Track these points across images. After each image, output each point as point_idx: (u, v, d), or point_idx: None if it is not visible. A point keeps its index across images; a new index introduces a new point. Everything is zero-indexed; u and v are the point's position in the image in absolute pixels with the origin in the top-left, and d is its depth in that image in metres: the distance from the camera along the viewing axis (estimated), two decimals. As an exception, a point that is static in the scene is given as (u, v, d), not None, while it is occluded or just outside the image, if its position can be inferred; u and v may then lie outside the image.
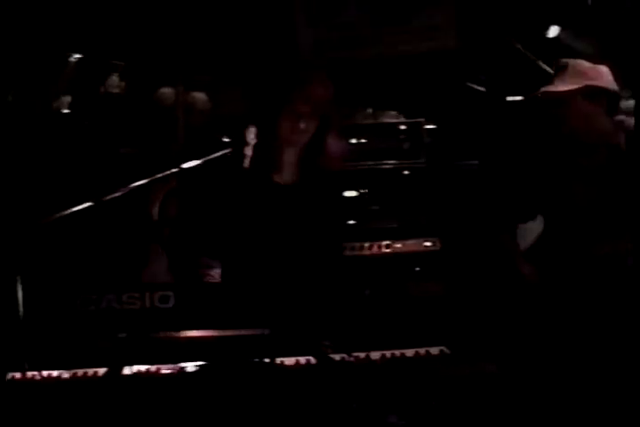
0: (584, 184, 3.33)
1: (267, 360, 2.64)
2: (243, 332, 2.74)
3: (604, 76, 3.42)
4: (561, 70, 3.42)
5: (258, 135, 2.87)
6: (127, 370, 2.60)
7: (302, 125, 2.96)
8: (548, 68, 8.40)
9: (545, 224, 3.48)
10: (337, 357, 2.79)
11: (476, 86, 5.85)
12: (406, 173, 5.04)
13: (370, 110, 5.47)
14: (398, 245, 4.70)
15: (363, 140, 5.10)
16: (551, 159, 3.46)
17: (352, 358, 2.74)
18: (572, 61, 3.45)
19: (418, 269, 4.55)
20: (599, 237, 3.27)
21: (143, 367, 2.62)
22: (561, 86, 3.36)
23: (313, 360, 2.70)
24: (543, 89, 3.43)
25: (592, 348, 3.22)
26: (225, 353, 2.74)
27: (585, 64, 3.44)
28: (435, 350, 2.88)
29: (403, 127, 5.16)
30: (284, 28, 5.61)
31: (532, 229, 3.47)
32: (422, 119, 5.26)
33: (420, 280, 4.25)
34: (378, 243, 4.73)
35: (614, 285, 3.22)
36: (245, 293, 2.93)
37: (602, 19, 6.40)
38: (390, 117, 5.33)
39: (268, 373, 2.63)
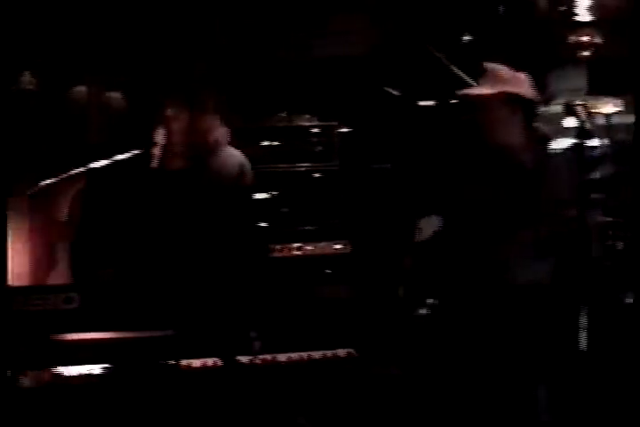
0: (486, 188, 3.34)
1: (172, 362, 2.62)
2: (148, 333, 2.72)
3: (521, 82, 3.45)
4: (481, 74, 3.44)
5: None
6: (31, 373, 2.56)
7: (171, 112, 3.04)
8: (462, 74, 8.55)
9: (444, 223, 3.49)
10: (244, 359, 2.79)
11: (390, 90, 5.90)
12: (318, 175, 5.06)
13: (284, 113, 5.47)
14: (309, 248, 4.71)
15: (276, 143, 5.11)
16: (457, 161, 3.50)
17: (259, 361, 2.74)
18: (491, 66, 3.47)
19: (328, 271, 4.57)
20: (496, 241, 3.29)
21: (48, 371, 2.59)
22: (478, 90, 3.39)
23: (220, 362, 2.69)
24: (461, 92, 3.45)
25: (492, 348, 3.24)
26: (131, 355, 2.71)
27: (504, 70, 3.46)
28: (342, 353, 2.89)
29: (316, 130, 5.18)
30: (199, 28, 5.58)
31: (429, 223, 3.48)
32: (335, 122, 5.28)
33: (330, 282, 4.26)
34: (289, 245, 4.74)
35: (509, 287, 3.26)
36: (152, 294, 2.91)
37: (513, 26, 6.52)
38: (305, 121, 5.34)
39: (174, 374, 2.62)
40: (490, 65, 3.45)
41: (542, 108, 3.68)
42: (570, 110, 2.78)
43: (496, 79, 3.37)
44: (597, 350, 3.28)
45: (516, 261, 3.23)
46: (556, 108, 5.79)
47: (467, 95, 3.41)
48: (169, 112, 3.06)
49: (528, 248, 3.25)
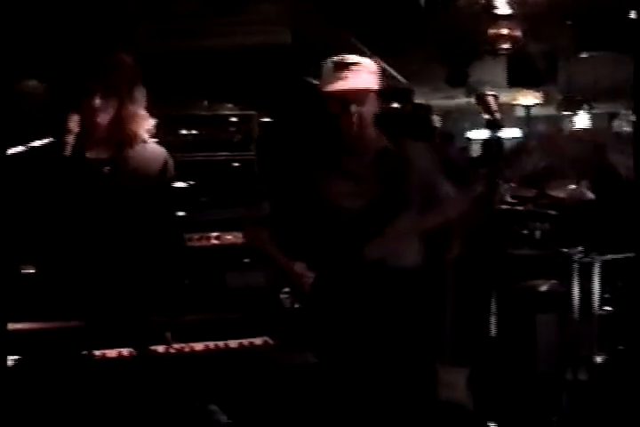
0: (349, 183, 3.30)
1: (85, 352, 2.59)
2: (62, 324, 2.69)
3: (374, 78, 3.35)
4: (343, 67, 3.24)
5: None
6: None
7: (97, 103, 3.00)
8: (384, 63, 8.63)
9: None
10: (160, 348, 2.77)
11: (310, 80, 5.92)
12: (236, 164, 5.05)
13: (205, 102, 5.45)
14: (228, 237, 4.70)
15: (194, 132, 5.08)
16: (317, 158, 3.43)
17: (174, 350, 2.72)
18: (358, 59, 3.34)
19: (247, 260, 4.57)
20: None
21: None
22: (342, 84, 3.26)
23: (134, 352, 2.67)
24: (330, 86, 3.33)
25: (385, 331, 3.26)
26: (44, 346, 2.68)
27: (371, 64, 3.35)
28: (258, 341, 2.89)
29: (234, 119, 5.16)
30: (117, 17, 5.52)
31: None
32: (254, 112, 5.27)
33: (247, 270, 4.28)
34: (207, 234, 4.72)
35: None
36: (66, 285, 2.87)
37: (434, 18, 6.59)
38: (225, 109, 5.32)
39: (88, 365, 2.59)
40: (356, 58, 3.32)
41: (465, 100, 3.69)
42: (480, 101, 2.81)
43: (364, 73, 3.26)
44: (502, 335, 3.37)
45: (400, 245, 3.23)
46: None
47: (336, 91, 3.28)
48: (89, 100, 3.01)
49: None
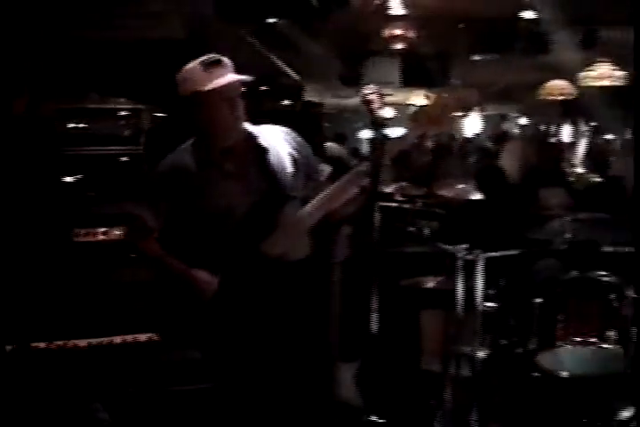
0: (231, 182, 3.30)
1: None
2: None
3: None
4: (213, 64, 3.18)
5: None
6: None
7: None
8: (277, 60, 8.64)
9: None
10: (41, 344, 2.73)
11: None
12: (125, 159, 4.98)
13: (96, 95, 5.35)
14: (116, 232, 4.64)
15: (82, 125, 4.99)
16: None
17: (55, 346, 2.69)
18: (217, 55, 3.32)
19: (133, 255, 4.49)
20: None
21: None
22: (220, 80, 3.23)
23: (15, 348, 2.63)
24: (208, 84, 3.16)
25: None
26: None
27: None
28: (143, 337, 2.88)
29: (124, 113, 5.09)
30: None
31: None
32: (144, 106, 5.21)
33: (135, 267, 4.21)
34: (94, 230, 4.65)
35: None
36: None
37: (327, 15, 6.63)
38: (115, 103, 5.24)
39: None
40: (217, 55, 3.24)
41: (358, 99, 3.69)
42: (364, 99, 2.84)
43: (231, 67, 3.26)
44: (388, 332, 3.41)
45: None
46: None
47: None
48: None
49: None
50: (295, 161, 3.31)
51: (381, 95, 2.88)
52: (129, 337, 2.79)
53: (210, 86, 3.12)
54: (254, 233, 3.17)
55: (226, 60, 3.20)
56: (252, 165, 3.26)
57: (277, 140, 3.33)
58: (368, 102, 2.85)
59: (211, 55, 3.19)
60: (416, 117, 13.92)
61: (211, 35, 6.16)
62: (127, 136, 5.03)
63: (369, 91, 2.91)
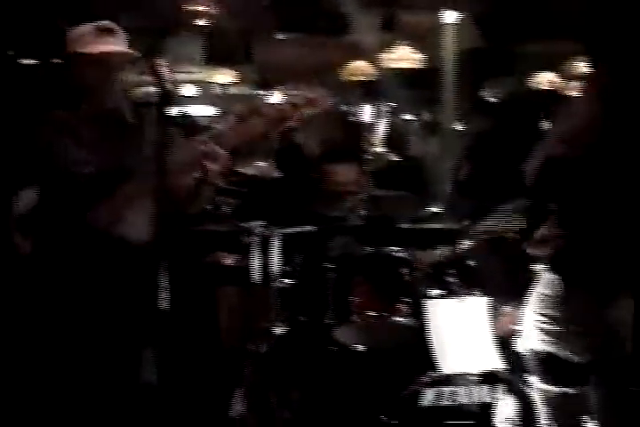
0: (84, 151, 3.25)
1: None
2: None
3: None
4: (106, 31, 3.21)
5: None
6: None
7: None
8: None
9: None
10: None
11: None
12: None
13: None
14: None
15: None
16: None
17: None
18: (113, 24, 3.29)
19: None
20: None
21: None
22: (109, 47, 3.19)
23: None
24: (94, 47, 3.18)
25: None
26: None
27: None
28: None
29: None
30: None
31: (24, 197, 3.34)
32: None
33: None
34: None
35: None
36: None
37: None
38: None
39: None
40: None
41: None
42: (151, 71, 2.76)
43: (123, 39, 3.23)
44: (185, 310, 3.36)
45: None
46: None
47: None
48: None
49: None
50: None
51: (167, 69, 2.82)
52: None
53: (97, 49, 3.12)
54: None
55: (118, 30, 3.20)
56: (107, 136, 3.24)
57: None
58: (155, 74, 2.77)
59: (106, 22, 3.15)
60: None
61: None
62: None
63: (155, 64, 2.84)
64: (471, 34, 8.71)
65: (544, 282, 3.06)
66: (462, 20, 8.50)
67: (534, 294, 3.09)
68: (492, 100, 7.71)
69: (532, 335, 3.03)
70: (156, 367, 3.61)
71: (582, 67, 9.25)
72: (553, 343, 2.96)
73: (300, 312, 4.47)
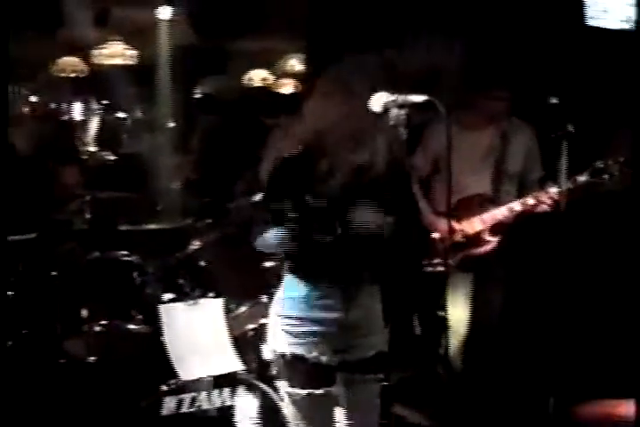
0: None
1: None
2: None
3: None
4: None
5: None
6: None
7: None
8: None
9: None
10: None
11: None
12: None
13: None
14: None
15: None
16: None
17: None
18: None
19: None
20: None
21: None
22: None
23: None
24: None
25: None
26: None
27: None
28: None
29: None
30: None
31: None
32: None
33: None
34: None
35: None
36: None
37: None
38: None
39: None
40: None
41: None
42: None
43: None
44: None
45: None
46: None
47: None
48: None
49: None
50: None
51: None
52: None
53: None
54: None
55: None
56: None
57: None
58: None
59: None
60: None
61: None
62: None
63: None
64: (186, 31, 8.62)
65: (288, 284, 3.00)
66: (177, 16, 8.39)
67: (277, 295, 3.04)
68: (207, 97, 7.67)
69: (278, 338, 2.98)
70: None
71: (295, 64, 9.50)
72: (300, 345, 2.93)
73: (25, 325, 4.21)
